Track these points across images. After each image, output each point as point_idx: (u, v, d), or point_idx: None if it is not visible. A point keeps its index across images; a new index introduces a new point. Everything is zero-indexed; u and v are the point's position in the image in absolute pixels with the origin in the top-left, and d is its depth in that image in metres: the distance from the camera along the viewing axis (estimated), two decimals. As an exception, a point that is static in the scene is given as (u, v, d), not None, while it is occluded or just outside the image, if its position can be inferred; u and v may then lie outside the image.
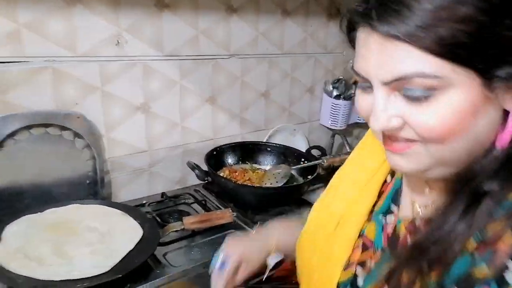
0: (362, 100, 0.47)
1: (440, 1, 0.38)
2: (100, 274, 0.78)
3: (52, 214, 0.97)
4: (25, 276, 0.75)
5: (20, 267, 0.77)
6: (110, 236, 0.91)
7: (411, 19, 0.38)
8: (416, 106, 0.41)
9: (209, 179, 1.19)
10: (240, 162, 1.35)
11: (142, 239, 0.91)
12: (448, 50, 0.38)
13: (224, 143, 1.34)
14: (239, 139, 1.40)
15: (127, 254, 0.85)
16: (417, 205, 0.54)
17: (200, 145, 1.31)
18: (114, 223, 0.95)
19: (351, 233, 0.58)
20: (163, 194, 1.20)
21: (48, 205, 0.99)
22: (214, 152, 1.28)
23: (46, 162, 1.03)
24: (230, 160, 1.34)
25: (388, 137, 0.46)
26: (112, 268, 0.80)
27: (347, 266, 0.57)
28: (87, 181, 1.11)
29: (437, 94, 0.40)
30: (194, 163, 1.22)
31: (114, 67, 1.08)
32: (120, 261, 0.83)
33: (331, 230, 0.60)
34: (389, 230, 0.56)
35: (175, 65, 1.19)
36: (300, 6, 1.42)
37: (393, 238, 0.55)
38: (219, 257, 0.69)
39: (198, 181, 1.25)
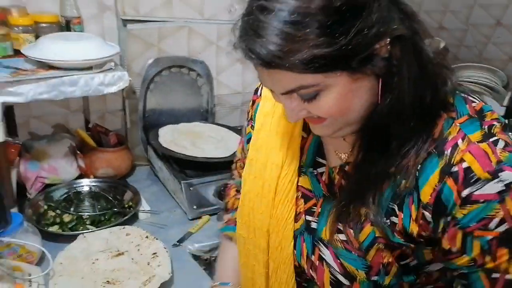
0: (272, 94, 0.59)
1: (288, 36, 0.47)
2: (223, 157, 1.24)
3: (183, 126, 1.44)
4: (181, 153, 1.23)
5: (176, 149, 1.24)
6: (223, 140, 1.37)
7: (274, 54, 0.48)
8: (312, 102, 0.53)
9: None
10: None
11: (244, 145, 1.35)
12: (313, 68, 0.48)
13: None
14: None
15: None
16: (341, 154, 0.65)
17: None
18: (224, 133, 1.41)
19: (290, 190, 0.68)
20: (252, 123, 1.64)
21: (179, 121, 1.46)
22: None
23: (177, 93, 1.50)
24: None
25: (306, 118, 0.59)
26: (229, 155, 1.26)
27: (296, 217, 0.68)
28: (201, 110, 1.57)
29: (321, 92, 0.52)
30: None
31: (226, 28, 1.50)
32: (233, 153, 1.28)
33: (272, 195, 0.68)
34: (324, 179, 0.67)
35: (267, 29, 1.60)
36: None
37: (331, 185, 0.66)
38: None
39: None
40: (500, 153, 0.51)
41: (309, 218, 0.67)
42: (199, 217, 1.17)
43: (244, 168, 0.78)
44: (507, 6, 1.63)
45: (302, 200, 0.68)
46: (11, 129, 1.21)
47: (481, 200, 0.51)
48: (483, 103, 0.57)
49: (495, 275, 0.53)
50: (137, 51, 1.38)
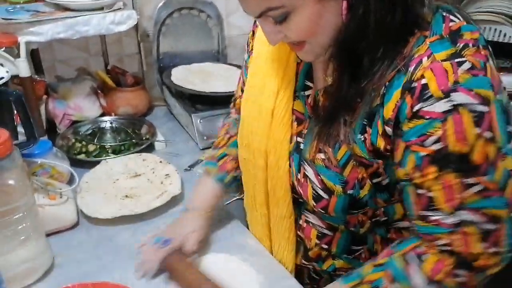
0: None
1: None
2: (230, 91, 1.32)
3: (195, 66, 1.52)
4: (190, 89, 1.32)
5: (186, 86, 1.34)
6: (232, 78, 1.43)
7: None
8: (284, 24, 0.57)
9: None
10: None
11: (252, 81, 1.43)
12: None
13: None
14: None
15: (244, 86, 1.38)
16: (327, 78, 0.67)
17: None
18: (234, 72, 1.48)
19: (286, 114, 0.71)
20: (262, 63, 1.70)
21: (191, 63, 1.54)
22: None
23: (189, 35, 1.56)
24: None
25: (288, 44, 0.63)
26: (237, 90, 1.34)
27: (290, 139, 0.72)
28: (213, 51, 1.63)
29: (290, 14, 0.55)
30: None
31: (233, -32, 1.54)
32: (241, 88, 1.36)
33: (269, 118, 0.72)
34: (310, 101, 0.70)
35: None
36: None
37: (315, 106, 0.69)
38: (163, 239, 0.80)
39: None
40: (461, 74, 0.51)
41: (299, 139, 0.72)
42: (209, 147, 1.27)
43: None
44: None
45: (296, 123, 0.72)
46: (39, 71, 1.34)
47: (427, 117, 0.53)
48: (464, 23, 0.56)
49: (420, 191, 0.57)
50: (147, -5, 1.45)
